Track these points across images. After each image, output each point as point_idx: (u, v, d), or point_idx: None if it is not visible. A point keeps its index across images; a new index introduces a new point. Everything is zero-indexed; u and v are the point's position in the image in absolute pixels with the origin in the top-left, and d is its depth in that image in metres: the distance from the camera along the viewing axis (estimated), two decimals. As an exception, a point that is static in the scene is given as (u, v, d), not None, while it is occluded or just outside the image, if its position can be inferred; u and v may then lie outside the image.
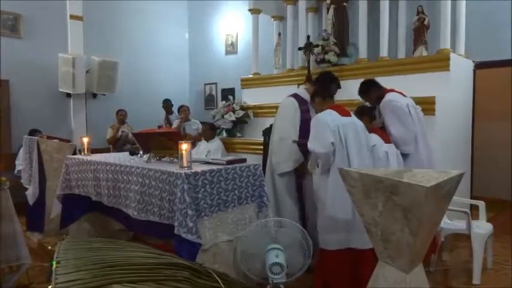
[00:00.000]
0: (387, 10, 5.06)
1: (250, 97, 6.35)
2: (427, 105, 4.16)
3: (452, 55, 4.48)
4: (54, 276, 1.40)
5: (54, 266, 1.51)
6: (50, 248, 4.01)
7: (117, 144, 6.67)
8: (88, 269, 1.55)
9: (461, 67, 4.79)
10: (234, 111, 5.93)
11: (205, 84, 8.99)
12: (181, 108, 6.58)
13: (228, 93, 7.51)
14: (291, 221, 2.83)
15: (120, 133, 6.71)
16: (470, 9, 5.04)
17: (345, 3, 5.67)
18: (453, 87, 4.49)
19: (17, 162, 5.76)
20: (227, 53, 8.54)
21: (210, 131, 5.51)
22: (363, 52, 5.28)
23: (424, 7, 5.09)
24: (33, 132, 5.71)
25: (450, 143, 4.42)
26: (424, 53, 4.95)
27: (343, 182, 2.09)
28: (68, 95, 7.11)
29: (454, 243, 4.09)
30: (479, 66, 5.13)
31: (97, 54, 7.27)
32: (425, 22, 5.01)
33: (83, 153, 4.01)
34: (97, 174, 3.53)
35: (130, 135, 6.66)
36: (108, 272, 1.57)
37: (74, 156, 4.10)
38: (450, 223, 3.68)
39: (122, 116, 6.85)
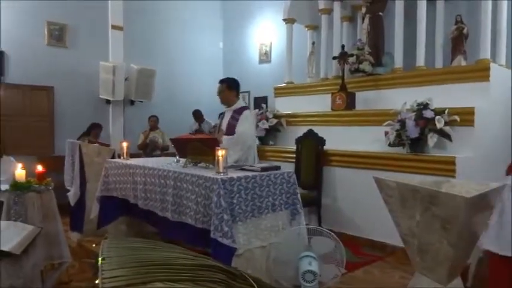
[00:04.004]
0: (424, 19, 4.98)
1: (284, 105, 6.39)
2: (466, 115, 4.07)
3: (492, 65, 4.37)
4: (100, 271, 1.47)
5: (100, 262, 1.59)
6: (94, 245, 4.15)
7: (146, 149, 6.85)
8: (131, 267, 1.62)
9: (502, 77, 4.65)
10: (267, 119, 5.98)
11: (238, 93, 9.10)
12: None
13: (261, 101, 7.58)
14: (325, 229, 2.83)
15: (149, 138, 6.89)
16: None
17: (380, 13, 5.63)
18: (493, 97, 4.36)
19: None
20: (261, 61, 8.63)
21: None
22: (398, 61, 5.20)
23: (463, 15, 4.98)
24: (94, 126, 6.23)
25: (489, 154, 4.28)
26: (463, 63, 4.84)
27: (379, 191, 2.08)
28: (108, 101, 7.40)
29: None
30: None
31: (136, 62, 7.54)
32: (464, 31, 4.89)
33: (122, 157, 4.15)
34: (135, 178, 3.65)
35: (160, 140, 6.82)
36: (150, 270, 1.63)
37: (114, 159, 4.28)
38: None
39: (153, 122, 7.04)
